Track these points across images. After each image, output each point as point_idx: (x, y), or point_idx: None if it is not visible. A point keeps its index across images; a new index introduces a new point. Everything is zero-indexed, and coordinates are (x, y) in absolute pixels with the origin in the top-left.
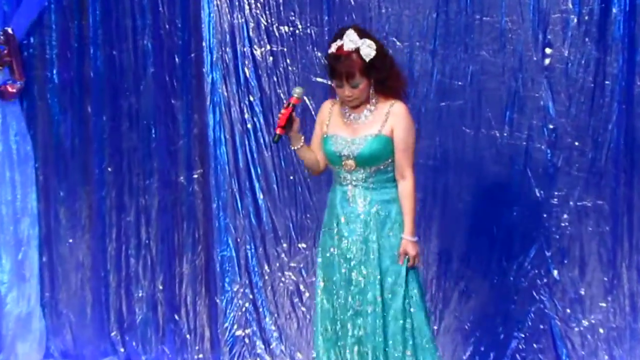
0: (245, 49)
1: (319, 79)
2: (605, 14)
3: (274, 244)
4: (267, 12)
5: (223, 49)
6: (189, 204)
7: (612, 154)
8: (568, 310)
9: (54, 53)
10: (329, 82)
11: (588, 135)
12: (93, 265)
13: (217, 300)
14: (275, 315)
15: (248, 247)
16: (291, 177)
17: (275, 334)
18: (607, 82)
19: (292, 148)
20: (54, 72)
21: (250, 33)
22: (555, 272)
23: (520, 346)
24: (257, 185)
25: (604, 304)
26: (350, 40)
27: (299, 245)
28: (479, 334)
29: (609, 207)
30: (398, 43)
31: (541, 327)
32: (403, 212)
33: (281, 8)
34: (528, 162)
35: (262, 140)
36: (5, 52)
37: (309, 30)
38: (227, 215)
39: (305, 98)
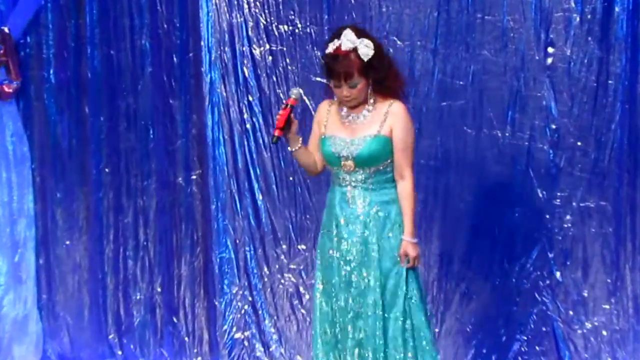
0: (244, 49)
1: (318, 79)
2: (608, 12)
3: (274, 245)
4: (267, 11)
5: (222, 48)
6: (187, 205)
7: (615, 154)
8: (571, 312)
9: (50, 53)
10: (327, 82)
11: (591, 135)
12: (90, 267)
13: (216, 303)
14: (275, 317)
15: (247, 248)
16: (291, 178)
17: (275, 337)
18: (610, 82)
19: (290, 150)
20: (51, 71)
21: (249, 32)
22: (558, 274)
23: (522, 349)
24: (256, 186)
25: (607, 306)
26: (348, 40)
27: (299, 247)
28: (481, 337)
29: (612, 207)
30: (399, 42)
31: (544, 329)
32: (403, 213)
33: (280, 7)
34: (530, 163)
35: (261, 141)
36: (2, 51)
37: (308, 30)
38: (226, 217)
39: (305, 98)
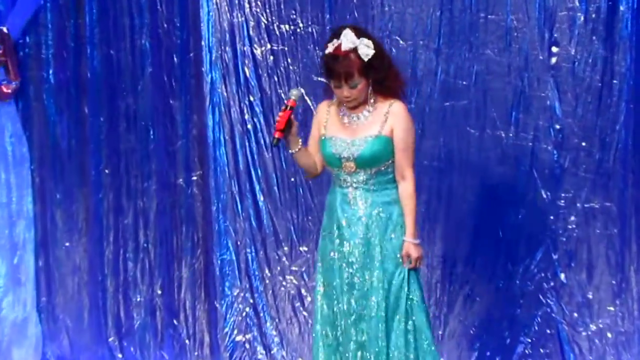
0: (245, 48)
1: (320, 79)
2: (613, 11)
3: (275, 247)
4: (268, 11)
5: (222, 48)
6: (187, 206)
7: (620, 154)
8: (575, 315)
9: (50, 53)
10: (327, 83)
11: (595, 136)
12: (90, 269)
13: (217, 305)
14: (277, 320)
15: (248, 250)
16: (292, 179)
17: (277, 339)
18: (614, 81)
19: (290, 151)
20: (50, 72)
21: (251, 32)
22: (562, 276)
23: (526, 351)
24: (257, 187)
25: (612, 308)
26: (348, 40)
27: (301, 249)
28: (485, 339)
29: (616, 208)
30: (401, 42)
31: (548, 331)
32: (404, 214)
33: (282, 6)
34: (534, 163)
35: (262, 142)
36: (0, 51)
37: (310, 29)
38: (227, 218)
39: (306, 98)
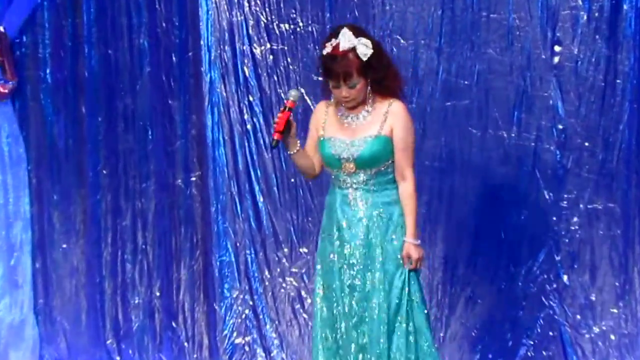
0: (244, 48)
1: (320, 78)
2: (616, 10)
3: (275, 248)
4: (267, 9)
5: (222, 47)
6: (186, 207)
7: (623, 154)
8: (578, 317)
9: (47, 52)
10: (325, 83)
11: (598, 136)
12: (88, 271)
13: (216, 307)
14: (276, 322)
15: (248, 251)
16: (292, 180)
17: (276, 342)
18: (618, 81)
19: (288, 153)
20: (47, 71)
21: (250, 31)
22: (565, 277)
23: (529, 353)
24: (257, 187)
25: (615, 310)
26: (347, 40)
27: (301, 250)
28: (487, 341)
29: (620, 209)
30: (402, 41)
31: (551, 333)
32: (405, 214)
33: (281, 5)
34: (537, 164)
35: (262, 142)
36: None
37: (310, 28)
38: (226, 219)
39: (306, 98)
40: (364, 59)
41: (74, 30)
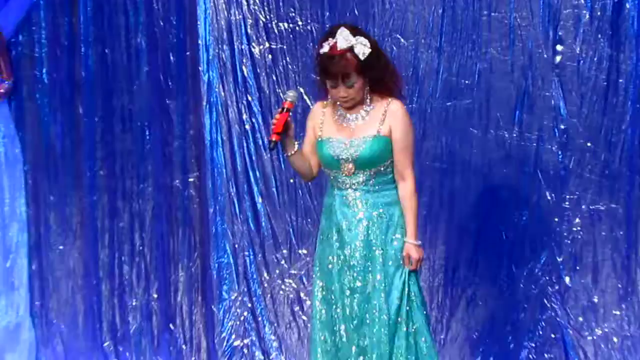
0: (243, 47)
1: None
2: (618, 9)
3: (274, 250)
4: (266, 8)
5: (220, 46)
6: (184, 208)
7: (626, 155)
8: (580, 319)
9: (43, 52)
10: (322, 82)
11: (601, 136)
12: (85, 273)
13: (214, 309)
14: (275, 324)
15: (246, 253)
16: (291, 181)
17: (275, 344)
18: (620, 81)
19: (286, 154)
20: (44, 71)
21: (249, 30)
22: (567, 279)
23: (530, 356)
24: (255, 188)
25: (617, 312)
26: (344, 39)
27: (300, 251)
28: (488, 343)
29: (622, 210)
30: (402, 40)
31: (552, 336)
32: (405, 215)
33: (280, 4)
34: (538, 164)
35: (260, 142)
36: None
37: (309, 27)
38: (225, 221)
39: (306, 97)
40: (362, 58)
41: (71, 30)
